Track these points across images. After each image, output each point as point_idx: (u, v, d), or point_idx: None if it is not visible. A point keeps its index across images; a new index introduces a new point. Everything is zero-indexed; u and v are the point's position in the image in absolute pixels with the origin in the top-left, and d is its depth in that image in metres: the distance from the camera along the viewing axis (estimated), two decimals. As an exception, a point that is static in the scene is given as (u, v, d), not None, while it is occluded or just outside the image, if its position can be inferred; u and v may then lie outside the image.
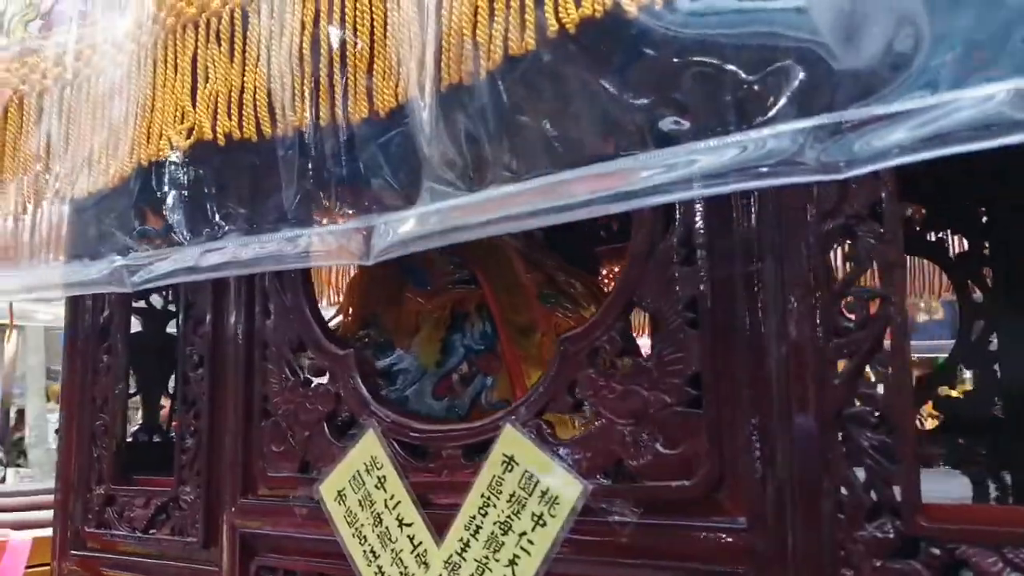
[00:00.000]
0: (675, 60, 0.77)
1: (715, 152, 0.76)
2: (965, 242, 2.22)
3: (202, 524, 1.46)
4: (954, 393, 2.26)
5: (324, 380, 1.38)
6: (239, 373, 1.45)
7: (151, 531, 1.55)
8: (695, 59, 0.77)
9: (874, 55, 0.70)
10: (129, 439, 1.77)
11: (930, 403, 2.20)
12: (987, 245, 2.18)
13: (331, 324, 1.83)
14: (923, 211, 2.31)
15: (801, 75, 0.72)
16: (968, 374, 2.18)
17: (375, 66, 1.00)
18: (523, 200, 0.86)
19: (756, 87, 0.75)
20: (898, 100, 0.68)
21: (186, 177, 1.11)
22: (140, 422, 1.85)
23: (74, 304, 1.75)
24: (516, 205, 0.87)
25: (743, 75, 0.75)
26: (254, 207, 1.07)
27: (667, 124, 0.79)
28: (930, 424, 2.34)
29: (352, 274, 2.05)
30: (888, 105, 0.69)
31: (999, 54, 0.66)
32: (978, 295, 2.17)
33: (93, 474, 1.67)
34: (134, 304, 1.79)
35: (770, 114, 0.73)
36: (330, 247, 1.00)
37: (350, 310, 1.82)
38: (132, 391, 1.78)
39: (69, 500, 1.70)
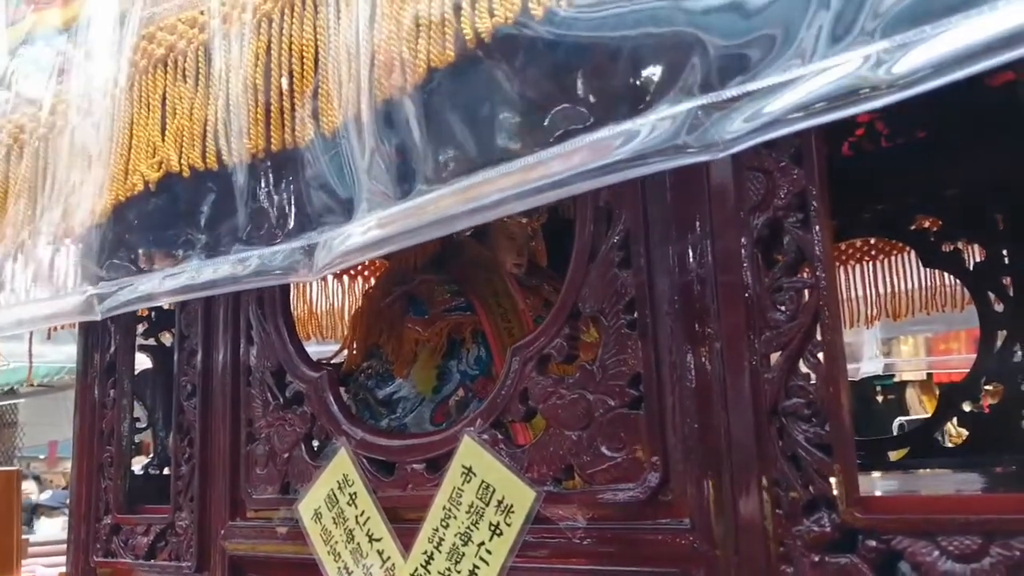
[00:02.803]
0: (566, 59, 0.79)
1: (607, 142, 0.77)
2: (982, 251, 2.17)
3: (195, 549, 1.50)
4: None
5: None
6: (226, 400, 1.49)
7: (152, 559, 1.59)
8: (584, 56, 0.79)
9: (748, 29, 0.71)
10: (140, 472, 1.83)
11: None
12: (1005, 253, 2.12)
13: (337, 359, 1.88)
14: (939, 223, 2.27)
15: (681, 60, 0.73)
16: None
17: (320, 89, 1.04)
18: (445, 204, 0.89)
19: (640, 77, 0.76)
20: (771, 73, 0.69)
21: (150, 207, 1.17)
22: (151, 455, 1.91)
23: (84, 342, 1.82)
24: (441, 209, 0.90)
25: (627, 67, 0.77)
26: (210, 232, 1.12)
27: (565, 120, 0.81)
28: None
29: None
30: (760, 80, 0.69)
31: (862, 17, 0.66)
32: (999, 306, 2.11)
33: (101, 505, 1.73)
34: (144, 342, 1.86)
35: (654, 101, 0.75)
36: (277, 265, 1.04)
37: (354, 344, 1.85)
38: (143, 426, 1.84)
39: (80, 531, 1.76)
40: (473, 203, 0.88)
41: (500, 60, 0.89)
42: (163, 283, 1.15)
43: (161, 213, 1.19)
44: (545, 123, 0.85)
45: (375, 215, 0.99)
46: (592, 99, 0.82)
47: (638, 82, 0.78)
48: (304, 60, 1.05)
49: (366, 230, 1.00)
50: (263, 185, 1.10)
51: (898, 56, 0.65)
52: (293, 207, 1.08)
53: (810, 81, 0.69)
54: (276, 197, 1.09)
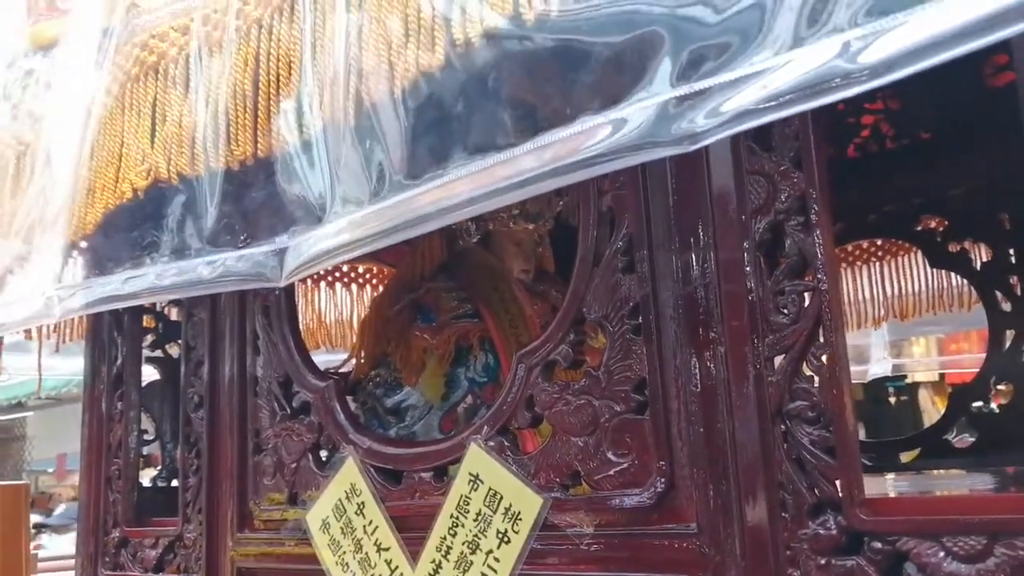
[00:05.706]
0: (543, 59, 0.80)
1: (579, 138, 0.77)
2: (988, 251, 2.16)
3: (204, 561, 1.50)
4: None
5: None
6: (233, 411, 1.50)
7: (160, 571, 1.59)
8: (559, 55, 0.79)
9: (720, 21, 0.71)
10: (148, 484, 1.83)
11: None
12: (1012, 252, 2.12)
13: (345, 368, 1.87)
14: (945, 223, 2.26)
15: (654, 54, 0.74)
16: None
17: (303, 93, 1.04)
18: (417, 205, 0.89)
19: (612, 72, 0.76)
20: (742, 64, 0.69)
21: (119, 207, 1.17)
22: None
23: (92, 355, 1.83)
24: (412, 210, 0.90)
25: (600, 63, 0.77)
26: (177, 235, 1.12)
27: (540, 118, 0.81)
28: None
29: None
30: (732, 71, 0.69)
31: (833, 5, 0.66)
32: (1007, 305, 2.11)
33: (109, 518, 1.73)
34: (151, 354, 1.87)
35: (626, 96, 0.75)
36: (244, 270, 1.04)
37: (362, 353, 1.85)
38: (150, 438, 1.85)
39: (89, 544, 1.76)
40: (444, 202, 0.88)
41: (483, 63, 0.89)
42: (124, 285, 1.15)
43: (129, 215, 1.19)
44: (522, 122, 0.85)
45: (346, 218, 0.99)
46: (566, 96, 0.82)
47: (610, 77, 0.78)
48: (292, 65, 1.06)
49: (336, 232, 1.00)
50: (235, 189, 1.10)
51: (871, 42, 0.65)
52: (265, 211, 1.08)
53: (783, 70, 0.68)
54: (248, 201, 1.09)
